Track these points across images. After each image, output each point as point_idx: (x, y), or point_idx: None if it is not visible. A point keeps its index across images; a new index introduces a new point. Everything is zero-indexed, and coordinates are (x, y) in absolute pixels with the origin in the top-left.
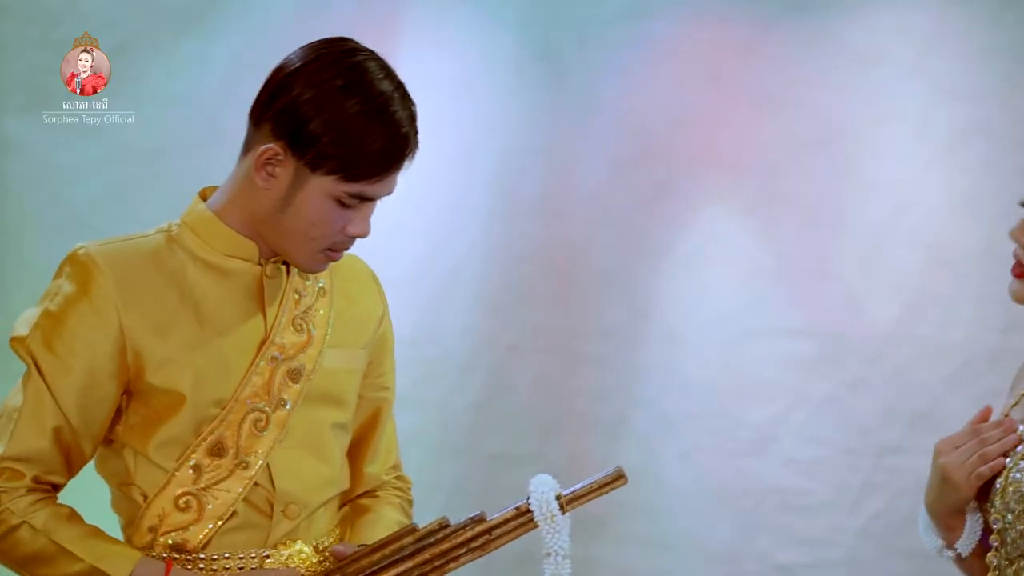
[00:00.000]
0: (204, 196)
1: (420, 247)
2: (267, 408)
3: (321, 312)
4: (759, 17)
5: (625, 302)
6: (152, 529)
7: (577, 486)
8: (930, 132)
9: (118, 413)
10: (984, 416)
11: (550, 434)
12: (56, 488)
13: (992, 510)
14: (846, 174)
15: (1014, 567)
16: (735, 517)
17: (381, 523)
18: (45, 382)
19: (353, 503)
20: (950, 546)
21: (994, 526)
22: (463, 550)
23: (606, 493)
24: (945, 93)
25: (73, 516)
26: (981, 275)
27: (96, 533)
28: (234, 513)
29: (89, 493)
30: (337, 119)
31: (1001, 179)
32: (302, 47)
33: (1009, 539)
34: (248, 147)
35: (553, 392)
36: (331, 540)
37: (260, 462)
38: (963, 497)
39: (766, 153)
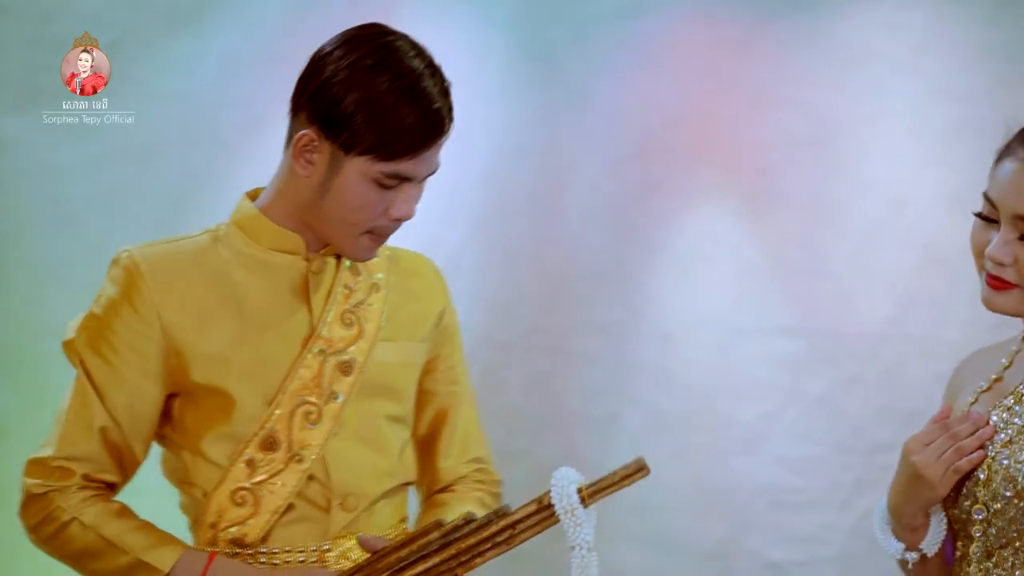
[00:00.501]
0: (252, 197)
1: (413, 245)
2: (317, 401)
3: (374, 307)
4: (752, 16)
5: (618, 300)
6: (213, 525)
7: (598, 478)
8: (924, 131)
9: (168, 415)
10: (945, 414)
11: (543, 432)
12: (111, 487)
13: (973, 501)
14: (839, 172)
15: (994, 557)
16: (727, 515)
17: (450, 516)
18: (92, 383)
19: (429, 499)
20: (912, 548)
21: (977, 517)
22: (488, 545)
23: (628, 485)
24: (939, 92)
25: (124, 512)
26: (974, 274)
27: (144, 527)
28: (291, 506)
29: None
30: (367, 97)
31: None
32: (337, 34)
33: (995, 528)
34: (288, 137)
35: (546, 390)
36: (396, 534)
37: (314, 455)
38: (937, 494)
39: (759, 151)
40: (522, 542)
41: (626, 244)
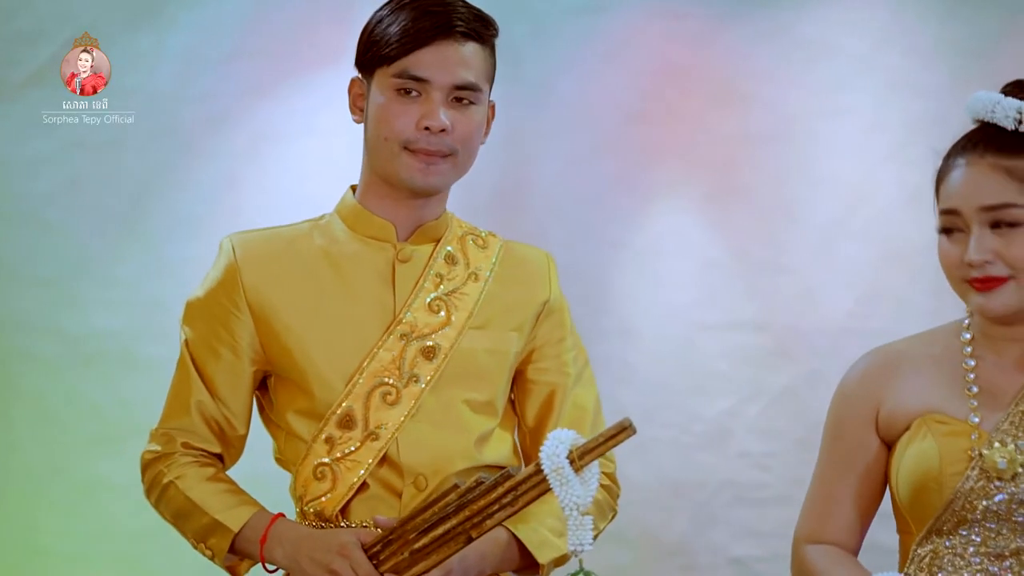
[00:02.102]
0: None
1: None
2: (396, 383)
3: (469, 295)
4: (712, 11)
5: (580, 296)
6: (300, 499)
7: (586, 440)
8: (883, 126)
9: (265, 393)
10: None
11: None
12: (217, 457)
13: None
14: (799, 168)
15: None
16: (690, 510)
17: (546, 509)
18: (192, 359)
19: None
20: None
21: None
22: (496, 507)
23: (615, 445)
24: (898, 87)
25: (215, 476)
26: (934, 269)
27: (229, 491)
28: (365, 484)
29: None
30: (376, 22)
31: None
32: None
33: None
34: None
35: None
36: None
37: (390, 435)
38: None
39: (719, 147)
40: (525, 505)
41: (588, 240)
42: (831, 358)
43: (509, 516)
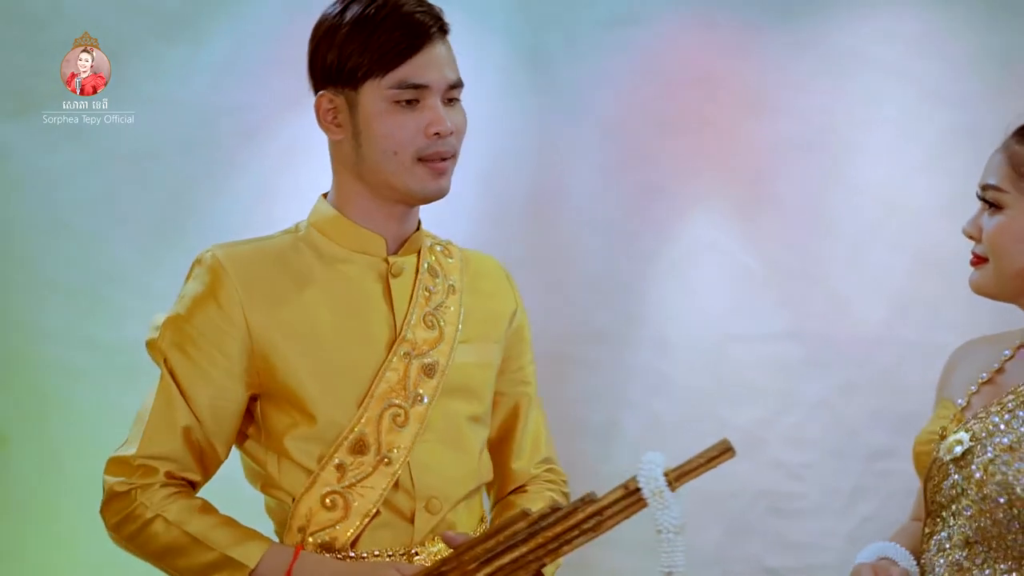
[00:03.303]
0: (326, 196)
1: None
2: (404, 404)
3: (452, 309)
4: (745, 22)
5: (614, 306)
6: (301, 529)
7: (683, 461)
8: (916, 136)
9: (252, 417)
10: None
11: None
12: (193, 485)
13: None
14: (833, 178)
15: (967, 550)
16: (725, 521)
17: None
18: (176, 382)
19: (504, 500)
20: None
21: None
22: (576, 532)
23: (714, 467)
24: (931, 97)
25: (206, 507)
26: (967, 278)
27: (228, 523)
28: (379, 511)
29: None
30: (346, 32)
31: None
32: None
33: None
34: (318, 119)
35: (544, 396)
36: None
37: (402, 457)
38: None
39: (753, 157)
40: (609, 528)
41: (622, 250)
42: (864, 367)
43: (588, 541)
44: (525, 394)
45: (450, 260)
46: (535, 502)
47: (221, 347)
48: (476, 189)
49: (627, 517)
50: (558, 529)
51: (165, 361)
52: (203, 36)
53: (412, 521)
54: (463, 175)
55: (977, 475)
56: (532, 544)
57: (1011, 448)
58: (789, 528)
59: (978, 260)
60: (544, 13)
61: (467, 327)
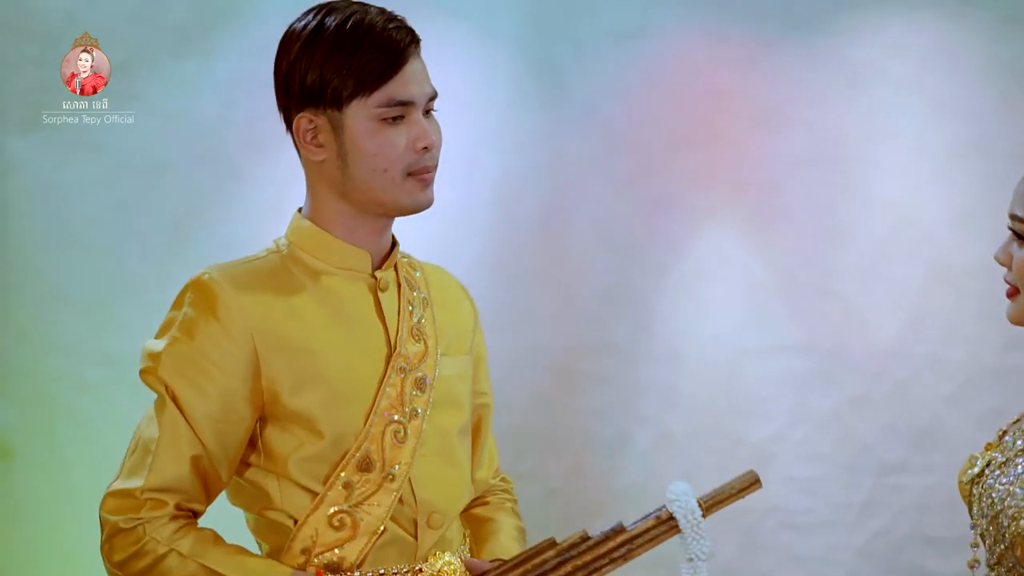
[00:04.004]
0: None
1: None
2: (403, 419)
3: (429, 322)
4: (757, 35)
5: (625, 319)
6: (305, 551)
7: (713, 491)
8: (928, 149)
9: (253, 440)
10: None
11: (550, 452)
12: (196, 515)
13: (972, 515)
14: (845, 191)
15: (993, 572)
16: (736, 535)
17: (503, 531)
18: (181, 410)
19: (467, 513)
20: None
21: (973, 530)
22: (605, 560)
23: (743, 498)
24: (943, 110)
25: (217, 538)
26: (981, 292)
27: (242, 551)
28: (384, 528)
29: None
30: (323, 51)
31: (1000, 196)
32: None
33: (987, 545)
34: (294, 142)
35: (553, 409)
36: (463, 550)
37: (404, 473)
38: None
39: (765, 170)
40: (639, 555)
41: (633, 263)
42: (877, 382)
43: (615, 568)
44: (485, 404)
45: (417, 273)
46: (501, 513)
47: (228, 370)
48: (487, 202)
49: (656, 545)
50: (587, 558)
51: (167, 389)
52: (213, 49)
53: (416, 537)
54: (474, 189)
55: (980, 497)
56: (561, 572)
57: (1004, 463)
58: (800, 543)
59: (1014, 292)
60: (555, 26)
61: (444, 340)
